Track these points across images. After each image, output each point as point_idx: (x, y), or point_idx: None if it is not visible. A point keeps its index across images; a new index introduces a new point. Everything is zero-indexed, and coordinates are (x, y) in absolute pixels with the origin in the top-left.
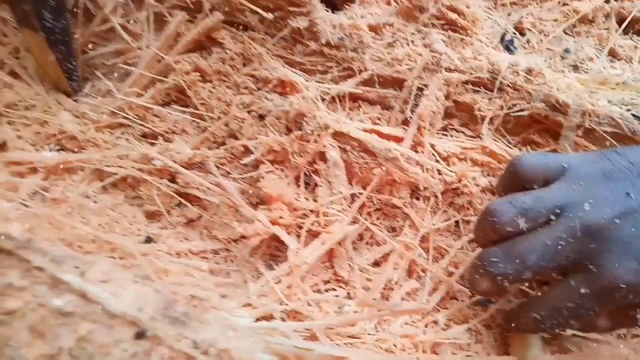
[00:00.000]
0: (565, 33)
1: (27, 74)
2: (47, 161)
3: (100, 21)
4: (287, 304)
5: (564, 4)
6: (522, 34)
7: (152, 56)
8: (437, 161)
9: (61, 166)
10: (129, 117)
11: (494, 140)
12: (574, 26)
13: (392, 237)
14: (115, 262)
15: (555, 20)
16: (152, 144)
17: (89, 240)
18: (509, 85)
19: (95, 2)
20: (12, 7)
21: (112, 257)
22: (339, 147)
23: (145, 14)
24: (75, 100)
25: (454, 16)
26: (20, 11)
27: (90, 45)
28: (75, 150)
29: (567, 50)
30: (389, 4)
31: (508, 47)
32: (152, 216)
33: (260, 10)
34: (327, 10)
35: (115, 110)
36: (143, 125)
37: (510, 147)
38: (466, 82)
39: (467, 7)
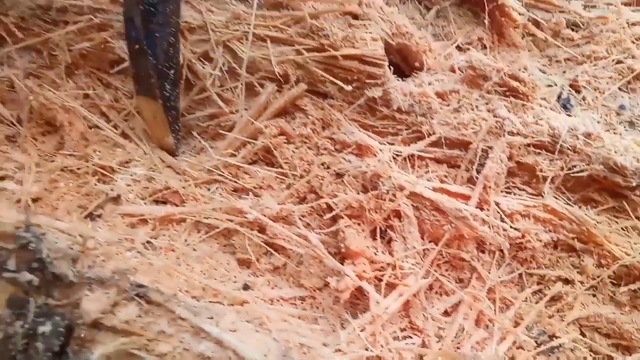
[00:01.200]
0: (620, 90)
1: (135, 135)
2: (156, 213)
3: (198, 90)
4: (372, 351)
5: (618, 62)
6: (578, 91)
7: (245, 122)
8: (502, 220)
9: (167, 218)
10: (223, 174)
11: (555, 198)
12: (629, 83)
13: (460, 288)
14: (237, 311)
15: (610, 77)
16: (242, 198)
17: (199, 287)
18: (568, 148)
19: (196, 74)
20: (137, 80)
21: (218, 302)
22: (413, 205)
23: (238, 84)
24: (176, 159)
25: (515, 84)
26: (144, 83)
27: (188, 110)
28: (178, 203)
29: (622, 107)
30: (453, 71)
31: (565, 105)
32: (243, 263)
33: (339, 83)
34: (398, 79)
35: (211, 169)
36: (235, 182)
37: (570, 205)
38: (528, 145)
39: (526, 73)
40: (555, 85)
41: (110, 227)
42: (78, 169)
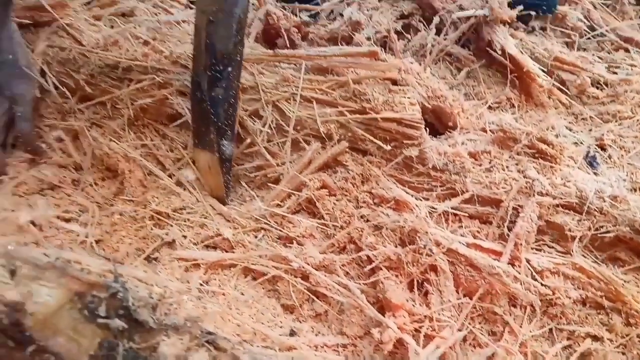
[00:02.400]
0: None
1: (189, 183)
2: (208, 258)
3: (248, 144)
4: None
5: None
6: (604, 149)
7: (291, 175)
8: (533, 277)
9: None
10: (269, 223)
11: (584, 256)
12: None
13: (493, 341)
14: (288, 357)
15: (636, 137)
16: (287, 246)
17: (250, 332)
18: (596, 210)
19: (246, 129)
20: (197, 134)
21: (268, 347)
22: (448, 260)
23: (285, 139)
24: (226, 207)
25: (543, 147)
26: (203, 138)
27: (238, 161)
28: (227, 249)
29: None
30: (485, 131)
31: (591, 163)
32: (287, 309)
33: (379, 142)
34: (432, 138)
35: (259, 217)
36: (280, 230)
37: (598, 264)
38: (557, 206)
39: (554, 134)
40: (582, 143)
41: (169, 271)
42: (136, 213)
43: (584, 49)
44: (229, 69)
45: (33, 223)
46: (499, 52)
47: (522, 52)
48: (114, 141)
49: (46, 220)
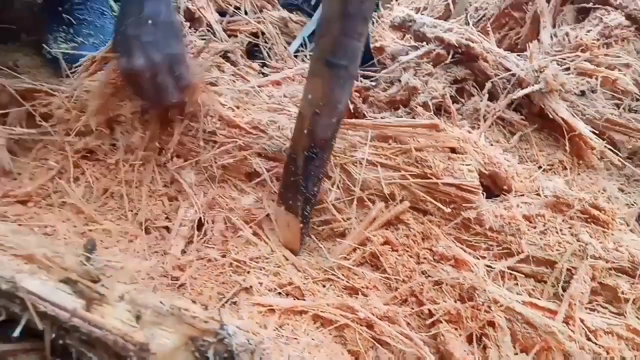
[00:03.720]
0: None
1: (264, 234)
2: (282, 305)
3: (318, 201)
4: None
5: None
6: None
7: (358, 232)
8: (587, 337)
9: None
10: (336, 274)
11: (637, 318)
12: None
13: None
14: None
15: None
16: (353, 296)
17: None
18: None
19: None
20: (283, 198)
21: None
22: (505, 317)
23: (351, 198)
24: (297, 257)
25: (595, 212)
26: (289, 202)
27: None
28: (299, 297)
29: None
30: (538, 195)
31: None
32: (353, 354)
33: (439, 204)
34: (489, 201)
35: (327, 269)
36: (346, 281)
37: None
38: (610, 269)
39: (605, 198)
40: (634, 204)
41: (248, 315)
42: (217, 260)
43: (635, 111)
44: (325, 151)
45: None
46: (551, 116)
47: (573, 115)
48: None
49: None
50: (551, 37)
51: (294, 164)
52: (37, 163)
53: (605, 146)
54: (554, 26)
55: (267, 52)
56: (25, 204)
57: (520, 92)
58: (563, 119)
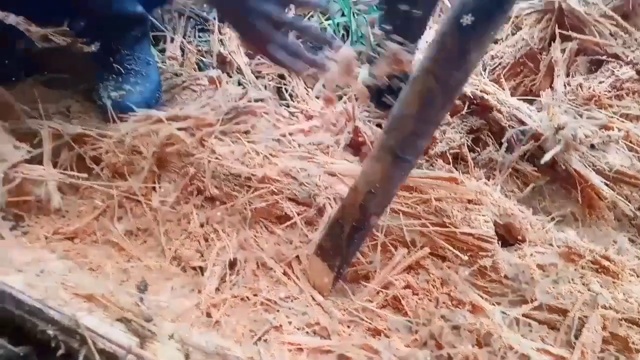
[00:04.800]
0: None
1: (294, 274)
2: (310, 344)
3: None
4: None
5: None
6: None
7: (382, 276)
8: None
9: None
10: (360, 315)
11: None
12: None
13: None
14: None
15: None
16: (375, 337)
17: None
18: None
19: None
20: (322, 251)
21: None
22: None
23: (375, 243)
24: (324, 299)
25: (606, 263)
26: (328, 258)
27: None
28: (325, 337)
29: None
30: (551, 245)
31: None
32: None
33: (457, 252)
34: (504, 249)
35: (352, 310)
36: (370, 323)
37: None
38: (620, 319)
39: (615, 250)
40: None
41: (278, 353)
42: (249, 299)
43: None
44: (372, 225)
45: None
46: (563, 167)
47: (585, 166)
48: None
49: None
50: (565, 85)
51: (340, 230)
52: (83, 202)
53: (616, 197)
54: (567, 75)
55: (289, 94)
56: (72, 240)
57: (547, 156)
58: (575, 170)
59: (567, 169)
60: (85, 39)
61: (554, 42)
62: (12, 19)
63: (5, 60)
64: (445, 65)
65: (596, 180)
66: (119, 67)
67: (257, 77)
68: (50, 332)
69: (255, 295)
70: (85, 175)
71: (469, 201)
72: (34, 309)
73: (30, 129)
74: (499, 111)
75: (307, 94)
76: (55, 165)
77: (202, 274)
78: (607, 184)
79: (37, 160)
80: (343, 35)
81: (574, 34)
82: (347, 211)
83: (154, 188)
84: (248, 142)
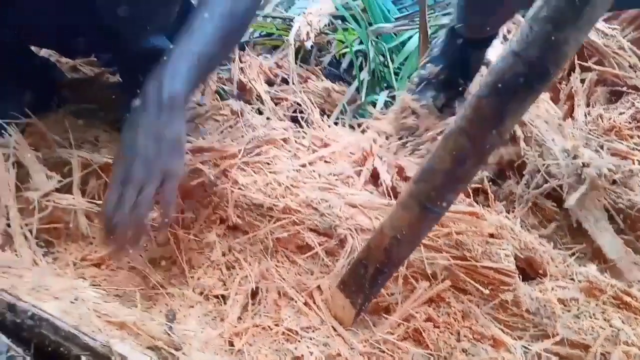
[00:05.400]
0: None
1: (315, 305)
2: None
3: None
4: None
5: None
6: None
7: (404, 309)
8: None
9: None
10: (381, 347)
11: None
12: None
13: None
14: None
15: None
16: None
17: None
18: None
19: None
20: (345, 286)
21: None
22: None
23: (397, 275)
24: (345, 330)
25: (627, 299)
26: (351, 293)
27: None
28: None
29: None
30: (572, 279)
31: None
32: None
33: (478, 285)
34: (525, 283)
35: (373, 342)
36: (391, 355)
37: None
38: None
39: (636, 287)
40: None
41: None
42: (270, 328)
43: None
44: (396, 268)
45: None
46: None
47: (607, 210)
48: (257, 264)
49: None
50: (585, 115)
51: (364, 270)
52: None
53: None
54: (587, 105)
55: (305, 121)
56: (99, 267)
57: (572, 200)
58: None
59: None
60: (112, 69)
61: (573, 72)
62: (44, 51)
63: (39, 91)
64: (480, 127)
65: (602, 241)
66: None
67: (275, 104)
68: (84, 357)
69: (276, 324)
70: None
71: (490, 235)
72: (70, 334)
73: (61, 158)
74: (523, 142)
75: (322, 120)
76: (83, 193)
77: (225, 303)
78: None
79: (66, 187)
80: (361, 62)
81: (594, 66)
82: (372, 253)
83: (177, 217)
84: (270, 172)
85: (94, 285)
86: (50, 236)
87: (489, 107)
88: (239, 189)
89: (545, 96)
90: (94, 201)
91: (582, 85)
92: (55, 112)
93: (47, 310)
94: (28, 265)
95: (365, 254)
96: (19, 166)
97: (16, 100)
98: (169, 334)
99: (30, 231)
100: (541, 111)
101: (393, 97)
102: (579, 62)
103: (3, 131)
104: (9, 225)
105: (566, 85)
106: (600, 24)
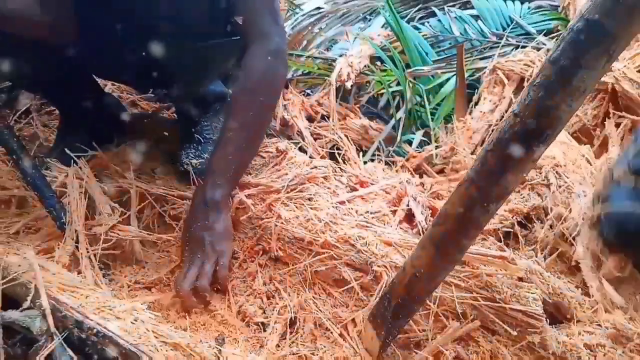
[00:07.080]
0: None
1: (349, 336)
2: None
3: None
4: None
5: None
6: None
7: (433, 345)
8: None
9: None
10: None
11: None
12: None
13: None
14: None
15: None
16: None
17: None
18: None
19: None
20: (374, 322)
21: None
22: None
23: (427, 312)
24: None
25: None
26: (379, 329)
27: None
28: None
29: None
30: (599, 325)
31: None
32: None
33: (506, 327)
34: (553, 327)
35: None
36: None
37: None
38: None
39: None
40: None
41: None
42: (307, 357)
43: None
44: (417, 305)
45: None
46: None
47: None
48: (296, 294)
49: None
50: None
51: (388, 303)
52: (161, 255)
53: None
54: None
55: (342, 158)
56: (150, 290)
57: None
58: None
59: None
60: (167, 103)
61: (608, 118)
62: (109, 86)
63: (104, 124)
64: (486, 180)
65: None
66: (199, 136)
67: (315, 139)
68: None
69: (312, 354)
70: (164, 236)
71: (519, 279)
72: (130, 352)
73: (121, 187)
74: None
75: (358, 156)
76: (139, 220)
77: (264, 330)
78: None
79: (125, 215)
80: (398, 102)
81: (627, 115)
82: (395, 288)
83: None
84: (311, 208)
85: (150, 308)
86: (107, 259)
87: (494, 161)
88: (282, 223)
89: (585, 149)
90: (149, 233)
91: (617, 130)
92: (117, 145)
93: (111, 329)
94: (92, 286)
95: (390, 288)
96: (86, 195)
97: (84, 133)
98: (218, 357)
99: (95, 255)
100: (575, 158)
101: (428, 136)
102: (613, 111)
103: (74, 163)
104: (77, 248)
105: (600, 131)
106: (635, 75)
